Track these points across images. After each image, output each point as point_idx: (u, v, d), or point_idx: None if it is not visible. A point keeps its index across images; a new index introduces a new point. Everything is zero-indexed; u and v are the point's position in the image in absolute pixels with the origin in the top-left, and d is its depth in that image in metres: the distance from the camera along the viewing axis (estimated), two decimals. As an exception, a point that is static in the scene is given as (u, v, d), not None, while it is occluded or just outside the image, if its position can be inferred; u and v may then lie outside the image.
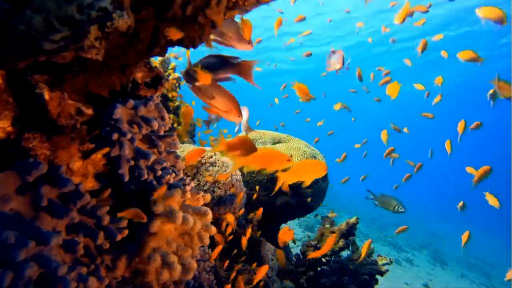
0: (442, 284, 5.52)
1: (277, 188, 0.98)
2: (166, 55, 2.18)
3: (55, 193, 0.53)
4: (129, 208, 0.63)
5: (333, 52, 1.93)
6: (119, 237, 0.58)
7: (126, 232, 0.60)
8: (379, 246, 7.11)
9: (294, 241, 3.39)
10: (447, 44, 9.58)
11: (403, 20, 2.14)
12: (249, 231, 1.47)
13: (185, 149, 1.70)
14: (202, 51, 0.76)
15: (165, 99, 2.44)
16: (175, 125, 2.30)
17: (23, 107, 0.54)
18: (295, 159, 2.36)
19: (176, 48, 0.69)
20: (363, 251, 1.88)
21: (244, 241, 1.40)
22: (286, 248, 2.56)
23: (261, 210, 1.65)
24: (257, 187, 2.14)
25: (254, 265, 1.47)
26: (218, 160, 1.69)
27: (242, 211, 1.60)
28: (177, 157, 0.81)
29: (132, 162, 0.64)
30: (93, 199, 0.58)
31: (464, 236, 2.26)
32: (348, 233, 2.28)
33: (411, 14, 2.30)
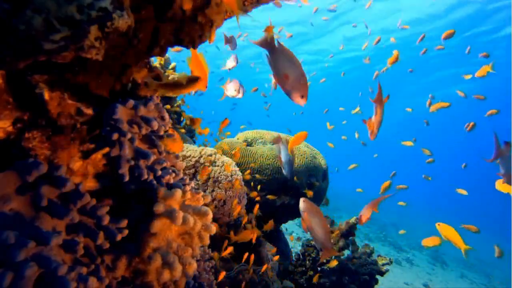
0: (442, 284, 5.52)
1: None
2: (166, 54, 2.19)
3: (55, 193, 0.53)
4: (130, 208, 0.63)
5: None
6: (119, 237, 0.58)
7: (126, 232, 0.60)
8: (379, 246, 7.11)
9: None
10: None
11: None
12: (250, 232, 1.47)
13: (185, 149, 1.70)
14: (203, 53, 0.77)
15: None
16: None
17: (23, 107, 0.54)
18: (295, 159, 2.36)
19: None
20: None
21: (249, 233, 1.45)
22: (286, 248, 2.56)
23: (257, 206, 1.66)
24: (258, 186, 2.14)
25: (250, 262, 1.47)
26: (218, 160, 1.69)
27: (241, 209, 1.60)
28: (177, 157, 0.81)
29: (132, 162, 0.64)
30: (93, 199, 0.58)
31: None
32: (348, 233, 2.28)
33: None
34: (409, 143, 3.68)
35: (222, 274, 1.20)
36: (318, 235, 1.12)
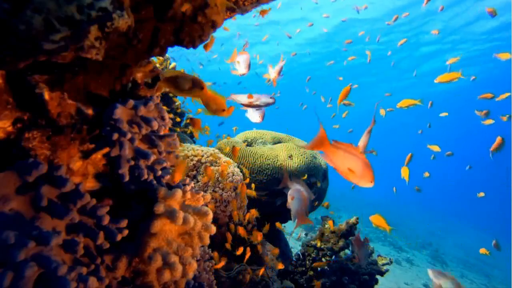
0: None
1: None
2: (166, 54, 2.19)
3: (55, 193, 0.53)
4: (130, 208, 0.63)
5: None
6: (119, 237, 0.58)
7: (126, 232, 0.60)
8: (379, 246, 7.11)
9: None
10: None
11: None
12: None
13: (185, 149, 1.70)
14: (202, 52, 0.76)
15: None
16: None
17: (23, 107, 0.54)
18: (295, 158, 2.36)
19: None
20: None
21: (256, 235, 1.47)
22: (286, 248, 2.56)
23: (254, 211, 1.67)
24: (253, 185, 2.13)
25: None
26: (219, 160, 1.69)
27: (241, 210, 1.60)
28: (177, 157, 0.81)
29: (132, 162, 0.64)
30: (93, 199, 0.58)
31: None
32: (348, 233, 2.28)
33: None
34: (435, 148, 3.72)
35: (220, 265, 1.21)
36: (295, 206, 1.11)
